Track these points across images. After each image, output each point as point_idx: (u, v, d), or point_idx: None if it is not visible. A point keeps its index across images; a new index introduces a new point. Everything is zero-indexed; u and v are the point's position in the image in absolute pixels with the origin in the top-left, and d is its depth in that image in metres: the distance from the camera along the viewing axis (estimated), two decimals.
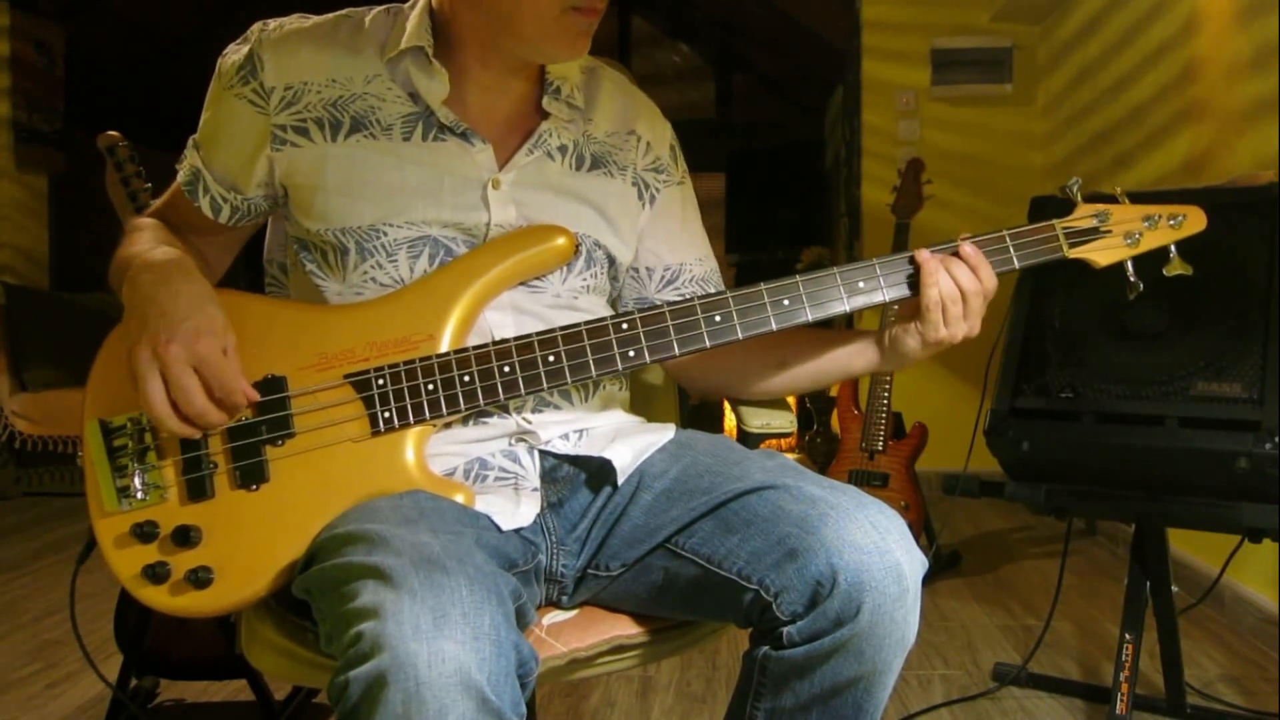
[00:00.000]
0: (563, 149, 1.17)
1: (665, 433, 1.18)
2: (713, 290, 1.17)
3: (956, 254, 1.10)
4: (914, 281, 1.10)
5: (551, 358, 1.06)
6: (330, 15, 1.17)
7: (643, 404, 1.35)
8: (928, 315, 1.09)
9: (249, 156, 1.13)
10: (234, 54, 1.14)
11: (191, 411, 1.00)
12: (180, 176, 1.19)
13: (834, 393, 3.81)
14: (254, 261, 1.29)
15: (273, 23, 1.15)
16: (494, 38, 1.10)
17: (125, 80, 6.47)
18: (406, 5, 1.17)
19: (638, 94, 1.28)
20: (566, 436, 1.13)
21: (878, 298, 1.10)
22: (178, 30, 6.47)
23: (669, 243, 1.25)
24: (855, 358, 1.19)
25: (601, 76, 1.25)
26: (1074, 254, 1.12)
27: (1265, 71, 2.52)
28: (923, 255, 1.09)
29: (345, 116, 1.11)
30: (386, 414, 1.04)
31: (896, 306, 1.14)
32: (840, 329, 1.23)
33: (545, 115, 1.16)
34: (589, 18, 1.08)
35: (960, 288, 1.09)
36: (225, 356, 1.01)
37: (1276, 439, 1.58)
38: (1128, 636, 1.87)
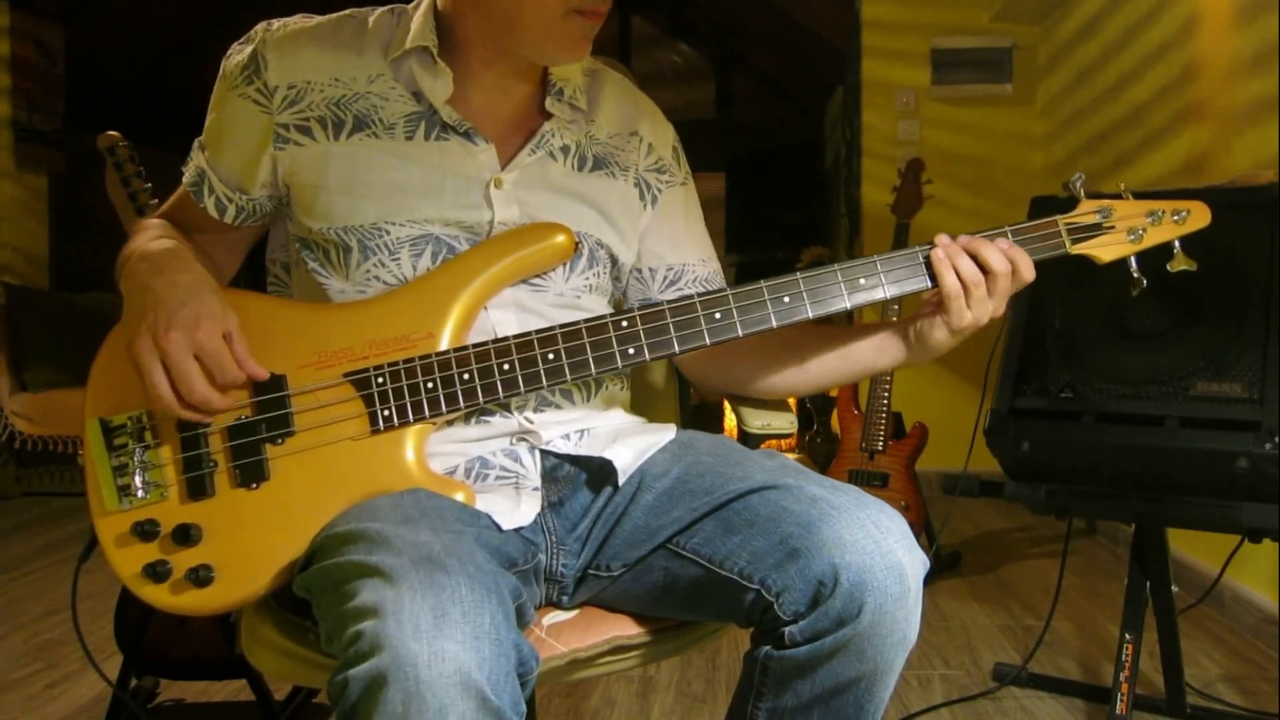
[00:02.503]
0: (565, 149, 1.17)
1: (666, 433, 1.18)
2: None
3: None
4: (916, 276, 1.09)
5: (551, 355, 1.06)
6: (334, 15, 1.17)
7: (644, 404, 1.35)
8: (949, 304, 1.08)
9: (253, 156, 1.13)
10: (238, 54, 1.14)
11: (195, 399, 1.00)
12: (186, 178, 1.19)
13: (834, 392, 3.81)
14: (255, 261, 1.29)
15: (276, 22, 1.15)
16: (497, 39, 1.10)
17: (125, 80, 6.47)
18: (410, 6, 1.17)
19: (640, 96, 1.28)
20: (568, 436, 1.13)
21: (879, 294, 1.09)
22: (178, 30, 6.47)
23: (671, 243, 1.25)
24: (880, 355, 1.18)
25: (604, 79, 1.25)
26: (1077, 250, 1.11)
27: (1265, 71, 2.51)
28: (938, 249, 1.08)
29: (348, 115, 1.11)
30: (386, 412, 1.04)
31: (925, 297, 1.13)
32: (861, 324, 1.22)
33: (548, 116, 1.16)
34: (592, 20, 1.08)
35: (989, 268, 1.08)
36: (225, 342, 1.02)
37: (1276, 439, 1.58)
38: (1128, 636, 1.87)
